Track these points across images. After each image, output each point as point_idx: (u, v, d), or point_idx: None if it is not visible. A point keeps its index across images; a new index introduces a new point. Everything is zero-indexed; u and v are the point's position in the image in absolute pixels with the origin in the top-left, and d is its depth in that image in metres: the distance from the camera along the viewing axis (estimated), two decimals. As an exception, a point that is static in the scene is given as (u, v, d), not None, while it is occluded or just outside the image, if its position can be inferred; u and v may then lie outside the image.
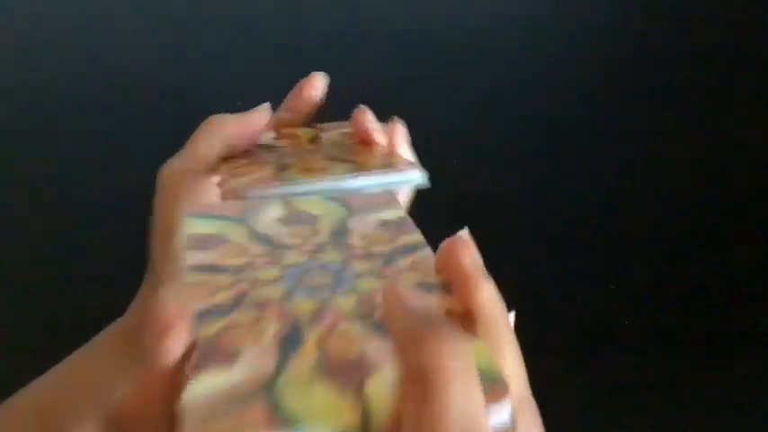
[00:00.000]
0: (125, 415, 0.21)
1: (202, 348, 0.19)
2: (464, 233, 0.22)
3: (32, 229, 1.25)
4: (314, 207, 0.26)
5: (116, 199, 1.27)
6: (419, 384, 0.16)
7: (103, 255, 1.18)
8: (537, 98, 1.47)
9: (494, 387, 0.18)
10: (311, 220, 0.25)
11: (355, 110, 0.35)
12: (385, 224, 0.25)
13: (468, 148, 1.28)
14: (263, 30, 1.71)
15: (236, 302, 0.21)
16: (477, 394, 0.17)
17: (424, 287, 0.22)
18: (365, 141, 0.33)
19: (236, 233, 0.24)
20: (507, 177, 1.27)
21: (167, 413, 0.19)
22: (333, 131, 0.35)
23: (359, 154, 0.32)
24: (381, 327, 0.20)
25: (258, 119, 0.34)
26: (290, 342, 0.19)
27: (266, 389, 0.17)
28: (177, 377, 0.19)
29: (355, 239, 0.24)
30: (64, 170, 1.38)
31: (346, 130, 0.35)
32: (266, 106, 0.34)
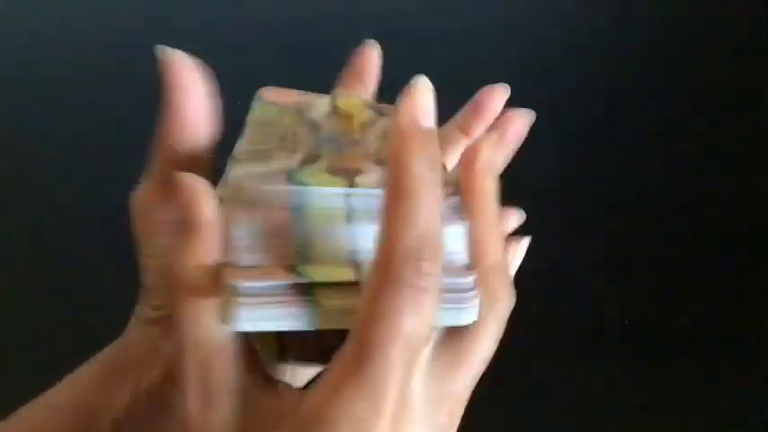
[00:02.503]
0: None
1: (246, 153, 0.26)
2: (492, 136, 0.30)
3: (33, 229, 1.25)
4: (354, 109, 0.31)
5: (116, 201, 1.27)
6: (397, 188, 0.20)
7: (106, 257, 1.18)
8: (538, 98, 1.47)
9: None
10: (349, 117, 0.30)
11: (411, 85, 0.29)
12: None
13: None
14: (262, 29, 1.70)
15: (279, 141, 0.27)
16: (437, 208, 0.20)
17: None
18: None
19: (289, 119, 0.30)
20: (507, 177, 1.26)
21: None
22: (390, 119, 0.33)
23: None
24: (378, 161, 0.25)
25: (192, 104, 0.26)
26: (309, 160, 0.25)
27: (288, 173, 0.24)
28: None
29: (381, 127, 0.30)
30: (63, 169, 1.38)
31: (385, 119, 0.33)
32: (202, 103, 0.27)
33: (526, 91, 1.52)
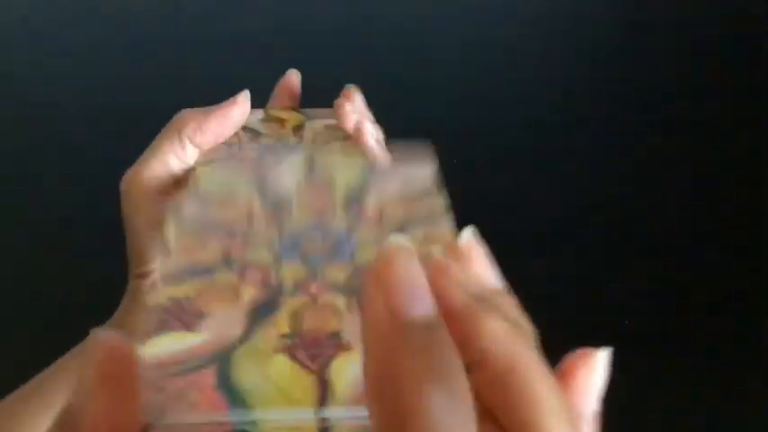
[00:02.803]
0: None
1: (168, 310, 0.17)
2: (437, 258, 0.16)
3: (33, 229, 1.25)
4: (335, 169, 0.24)
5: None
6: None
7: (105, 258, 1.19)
8: (537, 99, 1.47)
9: None
10: (281, 121, 0.27)
11: (341, 96, 0.33)
12: (406, 192, 0.22)
13: (467, 148, 1.28)
14: (262, 28, 1.70)
15: (223, 259, 0.19)
16: None
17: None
18: (352, 137, 0.31)
19: (245, 189, 0.23)
20: (507, 177, 1.26)
21: None
22: (319, 121, 0.34)
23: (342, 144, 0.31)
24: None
25: (232, 114, 0.31)
26: (263, 310, 0.17)
27: (222, 358, 0.16)
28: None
29: (369, 205, 0.22)
30: (63, 170, 1.37)
31: (332, 120, 0.34)
32: (245, 95, 0.32)
33: (526, 91, 1.51)
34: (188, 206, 0.22)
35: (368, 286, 0.12)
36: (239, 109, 0.31)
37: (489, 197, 1.19)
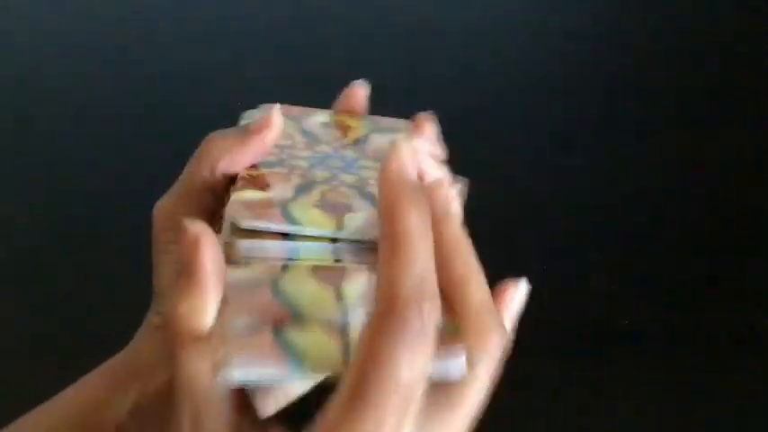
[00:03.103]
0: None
1: (246, 179, 0.28)
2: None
3: (34, 230, 1.25)
4: (350, 121, 0.34)
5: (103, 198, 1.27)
6: (392, 235, 0.21)
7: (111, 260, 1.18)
8: (538, 98, 1.47)
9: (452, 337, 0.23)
10: (345, 128, 0.33)
11: (423, 116, 0.33)
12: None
13: (467, 148, 1.28)
14: (263, 28, 1.70)
15: (278, 162, 0.30)
16: (432, 254, 0.21)
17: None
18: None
19: (288, 126, 0.32)
20: (507, 177, 1.26)
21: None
22: (385, 136, 0.33)
23: None
24: (365, 195, 0.28)
25: (268, 139, 0.30)
26: (304, 188, 0.28)
27: (282, 204, 0.27)
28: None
29: (370, 147, 0.32)
30: (63, 170, 1.38)
31: (398, 134, 0.33)
32: (277, 111, 0.30)
33: (525, 91, 1.51)
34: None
35: (386, 158, 0.22)
36: (275, 132, 0.30)
37: (489, 197, 1.19)
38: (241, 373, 0.22)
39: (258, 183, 0.28)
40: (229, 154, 0.29)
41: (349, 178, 0.29)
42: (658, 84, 1.52)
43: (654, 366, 1.01)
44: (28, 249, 1.22)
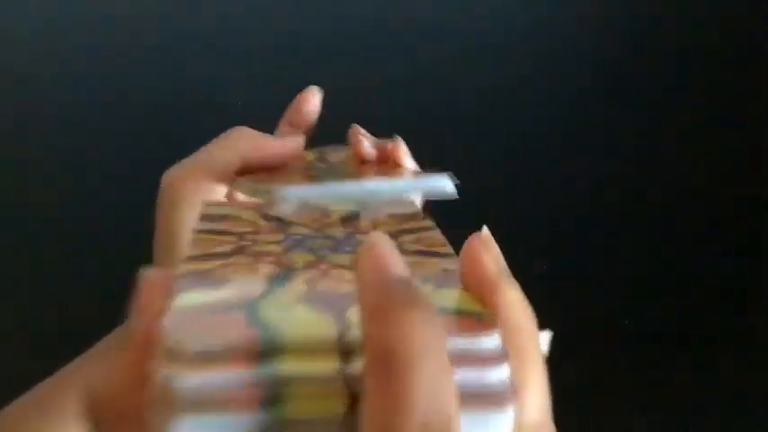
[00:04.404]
0: (105, 397, 0.20)
1: (189, 277, 0.19)
2: (485, 232, 0.19)
3: (33, 230, 1.25)
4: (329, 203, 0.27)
5: (108, 199, 1.27)
6: (382, 361, 0.14)
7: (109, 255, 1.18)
8: (538, 98, 1.47)
9: (480, 321, 0.16)
10: (324, 210, 0.26)
11: (351, 130, 0.33)
12: (396, 214, 0.25)
13: (467, 148, 1.28)
14: (263, 28, 1.71)
15: (236, 252, 0.21)
16: (448, 381, 0.14)
17: (424, 254, 0.21)
18: (365, 160, 0.32)
19: (248, 213, 0.25)
20: (507, 177, 1.27)
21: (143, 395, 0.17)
22: (335, 154, 0.33)
23: (369, 170, 0.31)
24: None
25: (287, 147, 0.31)
26: (280, 279, 0.19)
27: (249, 304, 0.17)
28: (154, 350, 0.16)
29: (364, 223, 0.25)
30: (62, 170, 1.38)
31: (345, 152, 0.33)
32: (300, 140, 0.31)
33: (526, 91, 1.51)
34: (198, 224, 0.24)
35: (360, 257, 0.16)
36: (295, 148, 0.31)
37: (489, 197, 1.19)
38: None
39: (210, 277, 0.19)
40: (256, 143, 0.30)
41: (342, 257, 0.21)
42: (658, 84, 1.52)
43: (654, 366, 1.01)
44: (28, 249, 1.22)
